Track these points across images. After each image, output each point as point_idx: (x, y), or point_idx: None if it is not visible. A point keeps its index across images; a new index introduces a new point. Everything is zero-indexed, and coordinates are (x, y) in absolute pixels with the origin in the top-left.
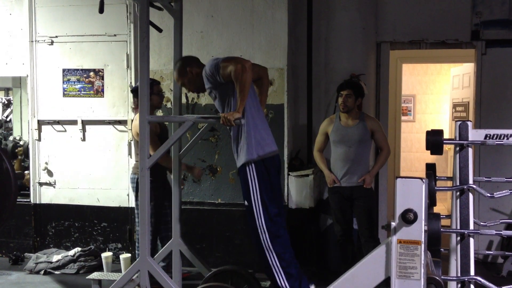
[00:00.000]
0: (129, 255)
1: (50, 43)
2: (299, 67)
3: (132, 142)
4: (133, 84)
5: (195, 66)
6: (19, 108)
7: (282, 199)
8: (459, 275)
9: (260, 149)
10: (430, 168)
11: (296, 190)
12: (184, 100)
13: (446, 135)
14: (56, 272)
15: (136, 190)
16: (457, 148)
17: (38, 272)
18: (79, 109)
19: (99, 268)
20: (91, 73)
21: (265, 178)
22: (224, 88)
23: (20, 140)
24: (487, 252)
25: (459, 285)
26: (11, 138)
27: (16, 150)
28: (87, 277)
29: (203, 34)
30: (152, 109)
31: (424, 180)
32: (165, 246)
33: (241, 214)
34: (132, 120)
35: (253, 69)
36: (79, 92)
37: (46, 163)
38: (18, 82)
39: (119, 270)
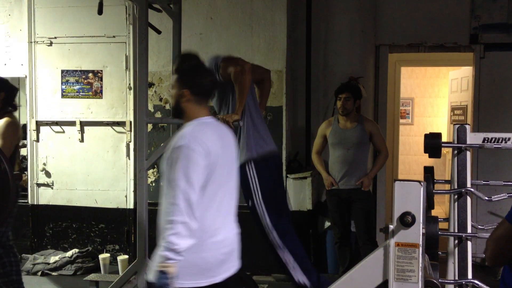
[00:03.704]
0: (126, 256)
1: (49, 44)
2: (298, 69)
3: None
4: (132, 86)
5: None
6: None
7: (285, 196)
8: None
9: (260, 148)
10: (428, 171)
11: (294, 192)
12: None
13: (444, 138)
14: (54, 274)
15: None
16: (455, 151)
17: (35, 273)
18: (77, 110)
19: (97, 269)
20: (90, 74)
21: (266, 176)
22: (223, 87)
23: None
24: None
25: None
26: None
27: None
28: (84, 279)
29: (202, 36)
30: None
31: (422, 183)
32: None
33: (240, 216)
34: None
35: (257, 71)
36: (77, 93)
37: (44, 164)
38: (17, 83)
39: (117, 272)
